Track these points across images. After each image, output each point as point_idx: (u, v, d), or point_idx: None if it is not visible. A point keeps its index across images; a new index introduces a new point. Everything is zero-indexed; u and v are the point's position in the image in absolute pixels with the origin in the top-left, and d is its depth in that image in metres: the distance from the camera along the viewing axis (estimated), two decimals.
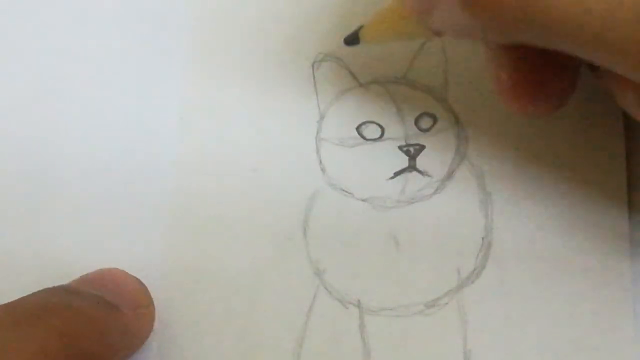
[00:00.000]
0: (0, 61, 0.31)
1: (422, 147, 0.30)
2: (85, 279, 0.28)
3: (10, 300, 0.26)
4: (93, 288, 0.28)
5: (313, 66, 0.31)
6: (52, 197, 0.30)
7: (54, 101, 0.31)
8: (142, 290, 0.29)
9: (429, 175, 0.30)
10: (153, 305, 0.29)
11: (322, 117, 0.31)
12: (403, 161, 0.30)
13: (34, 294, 0.26)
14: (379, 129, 0.31)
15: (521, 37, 0.23)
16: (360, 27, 0.29)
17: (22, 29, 0.32)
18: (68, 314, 0.25)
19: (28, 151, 0.30)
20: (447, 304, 0.29)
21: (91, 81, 0.31)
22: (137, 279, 0.29)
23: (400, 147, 0.30)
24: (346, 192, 0.30)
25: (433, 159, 0.30)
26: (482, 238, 0.30)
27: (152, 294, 0.29)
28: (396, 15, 0.27)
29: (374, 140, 0.31)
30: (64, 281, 0.28)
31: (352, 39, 0.29)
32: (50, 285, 0.27)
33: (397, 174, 0.30)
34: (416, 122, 0.31)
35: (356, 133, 0.31)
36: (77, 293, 0.27)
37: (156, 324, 0.29)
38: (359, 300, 0.29)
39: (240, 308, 0.29)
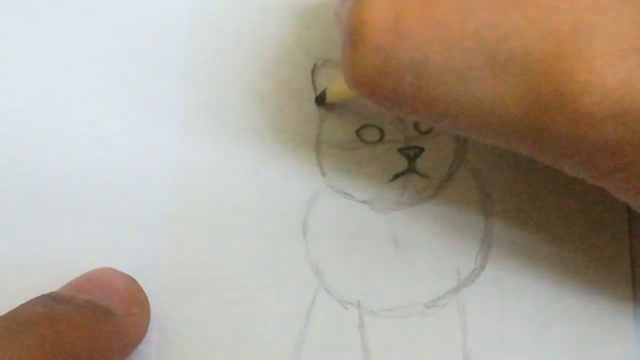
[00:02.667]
0: (3, 64, 0.32)
1: (422, 150, 0.30)
2: (75, 284, 0.28)
3: (9, 301, 0.26)
4: (83, 292, 0.27)
5: (313, 71, 0.31)
6: (51, 197, 0.30)
7: (54, 102, 0.31)
8: (134, 289, 0.28)
9: (428, 177, 0.30)
10: (148, 304, 0.28)
11: (322, 121, 0.31)
12: (403, 163, 0.30)
13: (22, 306, 0.26)
14: (379, 132, 0.31)
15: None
16: (325, 90, 0.30)
17: (25, 35, 0.32)
18: (57, 323, 0.25)
19: (26, 152, 0.30)
20: (447, 304, 0.29)
21: (91, 82, 0.31)
22: (129, 277, 0.28)
23: (400, 150, 0.31)
24: (346, 194, 0.30)
25: (432, 161, 0.30)
26: (482, 238, 0.30)
27: (152, 294, 0.28)
28: None
29: (374, 143, 0.31)
30: (64, 282, 0.28)
31: (320, 100, 0.31)
32: (50, 285, 0.27)
33: (396, 176, 0.30)
34: (415, 124, 0.31)
35: (356, 136, 0.31)
36: (66, 300, 0.27)
37: (156, 324, 0.28)
38: (358, 301, 0.29)
39: (240, 308, 0.29)
